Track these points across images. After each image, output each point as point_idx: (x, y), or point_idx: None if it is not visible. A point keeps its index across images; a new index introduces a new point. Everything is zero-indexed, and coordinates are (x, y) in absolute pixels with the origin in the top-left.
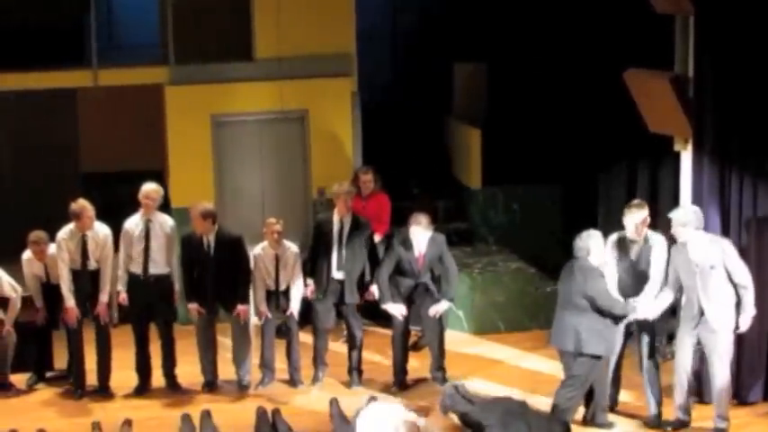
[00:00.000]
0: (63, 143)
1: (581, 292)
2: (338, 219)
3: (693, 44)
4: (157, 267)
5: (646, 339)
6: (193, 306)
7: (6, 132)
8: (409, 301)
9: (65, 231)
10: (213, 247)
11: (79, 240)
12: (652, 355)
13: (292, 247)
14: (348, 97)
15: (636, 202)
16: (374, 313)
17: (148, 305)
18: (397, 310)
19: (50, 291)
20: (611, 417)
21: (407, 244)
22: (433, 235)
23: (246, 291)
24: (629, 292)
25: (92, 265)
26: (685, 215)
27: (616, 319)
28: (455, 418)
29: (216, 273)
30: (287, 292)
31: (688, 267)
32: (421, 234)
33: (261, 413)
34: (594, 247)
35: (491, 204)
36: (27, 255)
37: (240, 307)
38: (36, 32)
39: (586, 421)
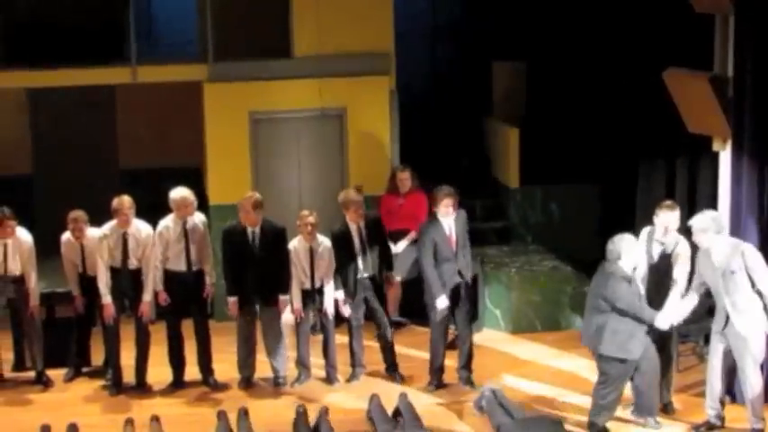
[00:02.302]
0: (102, 140)
1: (602, 294)
2: (355, 227)
3: (733, 44)
4: (195, 264)
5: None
6: (233, 300)
7: (45, 129)
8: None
9: (106, 227)
10: (259, 238)
11: (119, 237)
12: (661, 350)
13: (326, 242)
14: (386, 95)
15: (667, 202)
16: (410, 311)
17: (185, 301)
18: (443, 304)
19: (88, 284)
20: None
21: (437, 225)
22: (457, 214)
23: (288, 282)
24: (650, 290)
25: (132, 263)
26: (703, 221)
27: (639, 321)
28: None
29: (259, 265)
30: (321, 291)
31: (712, 272)
32: (446, 213)
33: (301, 411)
34: (625, 251)
35: (529, 203)
36: (66, 236)
37: (281, 297)
38: (75, 29)
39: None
